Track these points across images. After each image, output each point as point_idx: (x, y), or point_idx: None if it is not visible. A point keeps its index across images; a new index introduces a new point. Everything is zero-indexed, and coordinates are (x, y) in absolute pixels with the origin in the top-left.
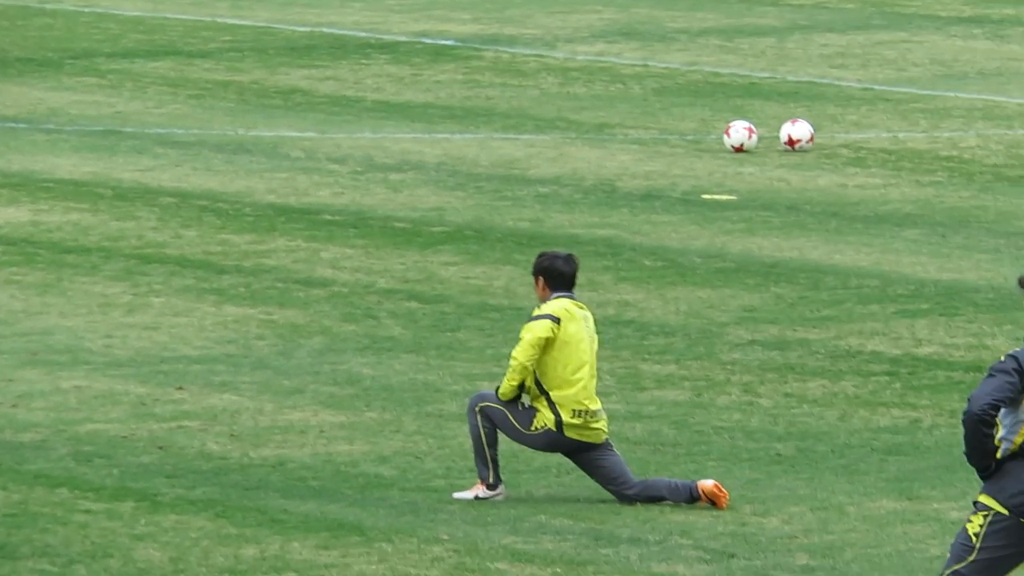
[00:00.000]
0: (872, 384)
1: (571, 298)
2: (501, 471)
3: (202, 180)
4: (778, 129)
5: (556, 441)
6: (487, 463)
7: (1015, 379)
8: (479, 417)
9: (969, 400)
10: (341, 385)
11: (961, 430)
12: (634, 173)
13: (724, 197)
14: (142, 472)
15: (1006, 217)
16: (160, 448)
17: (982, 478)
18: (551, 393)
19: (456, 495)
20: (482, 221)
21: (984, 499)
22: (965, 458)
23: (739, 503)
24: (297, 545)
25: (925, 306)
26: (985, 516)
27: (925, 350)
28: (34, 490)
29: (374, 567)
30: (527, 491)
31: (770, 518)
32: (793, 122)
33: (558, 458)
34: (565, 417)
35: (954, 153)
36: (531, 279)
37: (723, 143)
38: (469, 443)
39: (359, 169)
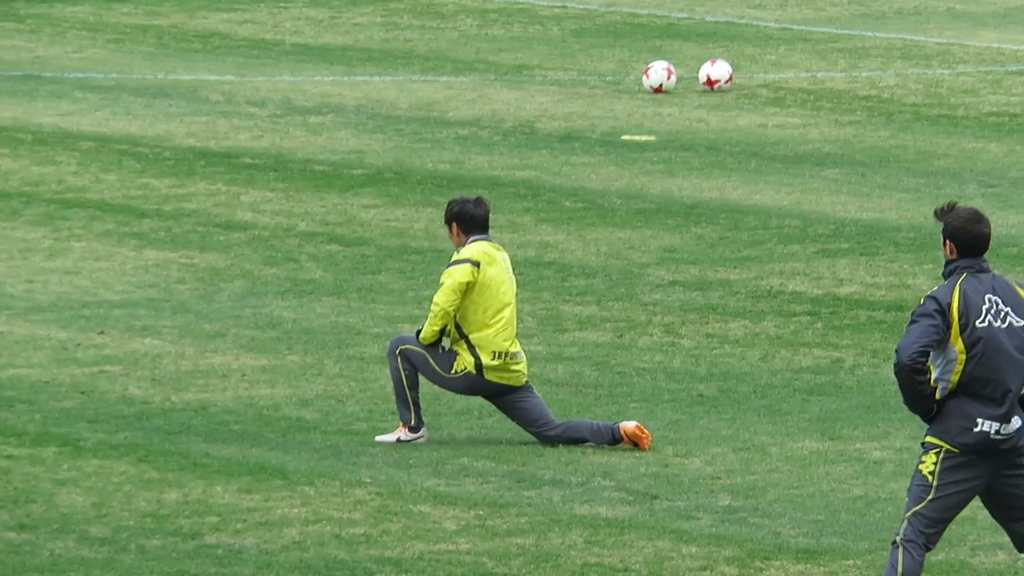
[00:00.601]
0: (794, 324)
1: (488, 240)
2: (423, 413)
3: (122, 124)
4: (697, 69)
5: (476, 384)
6: (408, 405)
7: (938, 321)
8: (400, 360)
9: (897, 351)
10: (263, 328)
11: (886, 369)
12: (553, 114)
13: (643, 138)
14: (64, 417)
15: (925, 156)
16: (82, 393)
17: (926, 422)
18: (471, 336)
19: (378, 438)
20: (402, 163)
21: (931, 439)
22: (906, 407)
23: (661, 444)
24: (220, 489)
25: (846, 246)
26: (937, 454)
27: (846, 290)
28: None
29: (297, 510)
30: (449, 433)
31: (692, 459)
32: (712, 62)
33: (480, 401)
34: (485, 360)
35: (873, 92)
36: None
37: (642, 84)
38: (390, 386)
39: (278, 112)
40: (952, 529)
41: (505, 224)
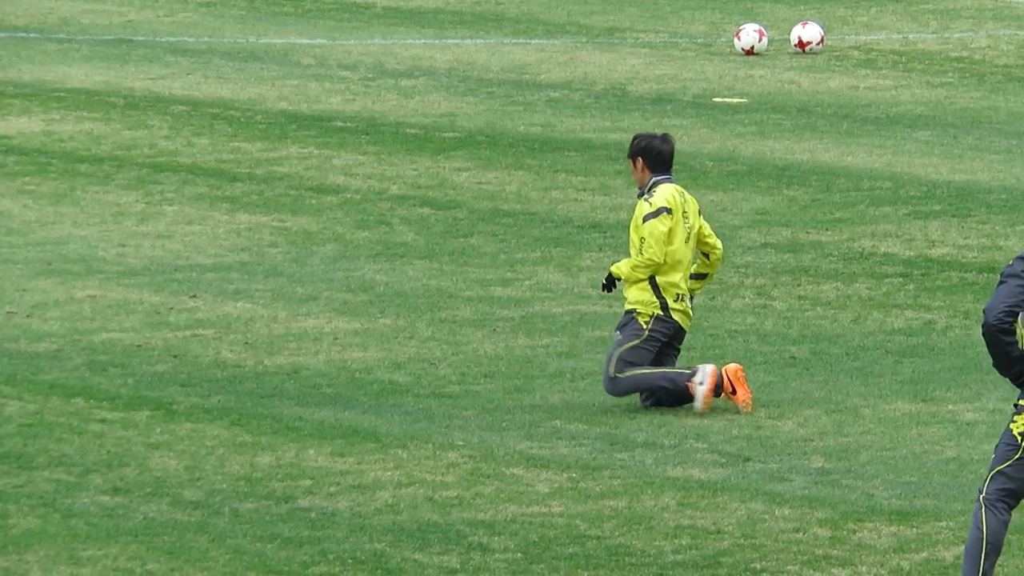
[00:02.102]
0: (886, 286)
1: (672, 182)
2: (515, 376)
3: (214, 88)
4: (788, 31)
5: (664, 326)
6: (665, 386)
7: None
8: (625, 385)
9: (984, 312)
10: (354, 292)
11: (978, 330)
12: (645, 77)
13: (735, 100)
14: (157, 381)
15: (1017, 118)
16: (175, 357)
17: (1017, 385)
18: (657, 278)
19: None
20: (494, 126)
21: None
22: (995, 369)
23: (754, 406)
24: (312, 452)
25: (938, 207)
26: None
27: (938, 251)
28: (49, 400)
29: (389, 473)
30: (541, 396)
31: (785, 421)
32: (803, 24)
33: (573, 363)
34: (669, 301)
35: (965, 54)
36: (544, 183)
37: (734, 46)
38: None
39: (370, 75)
40: None
41: (597, 187)
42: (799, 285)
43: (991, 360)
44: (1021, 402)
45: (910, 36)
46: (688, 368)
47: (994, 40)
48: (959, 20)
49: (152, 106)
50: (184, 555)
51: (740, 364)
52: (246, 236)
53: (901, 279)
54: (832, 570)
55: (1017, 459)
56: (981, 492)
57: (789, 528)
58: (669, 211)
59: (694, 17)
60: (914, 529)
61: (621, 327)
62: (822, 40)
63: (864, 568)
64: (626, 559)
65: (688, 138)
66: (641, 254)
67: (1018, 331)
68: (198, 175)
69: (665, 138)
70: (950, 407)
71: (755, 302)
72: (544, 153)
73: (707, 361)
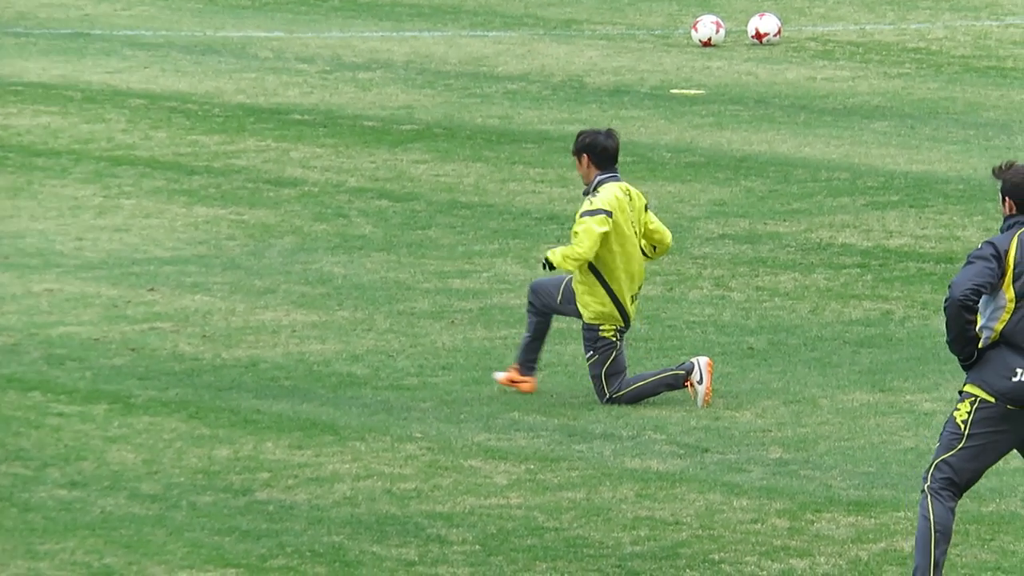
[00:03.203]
0: (844, 276)
1: (617, 180)
2: (473, 367)
3: (171, 81)
4: (745, 23)
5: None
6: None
7: (994, 264)
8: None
9: (950, 287)
10: (313, 284)
11: (936, 321)
12: (602, 68)
13: (693, 91)
14: (115, 374)
15: (974, 108)
16: (132, 350)
17: (965, 367)
18: (611, 285)
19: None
20: (451, 119)
21: (969, 388)
22: (948, 347)
23: (712, 397)
24: (270, 445)
25: (895, 198)
26: (972, 403)
27: (896, 242)
28: (7, 394)
29: (347, 466)
30: (500, 388)
31: (743, 412)
32: (760, 15)
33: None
34: (627, 306)
35: (922, 45)
36: (502, 175)
37: (691, 37)
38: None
39: (328, 68)
40: (1003, 480)
41: (555, 179)
42: (757, 276)
43: (947, 336)
44: (966, 388)
45: (867, 27)
46: (679, 366)
47: (951, 31)
48: (916, 11)
49: (109, 100)
50: (142, 548)
51: (710, 359)
52: (204, 229)
53: (859, 270)
54: (790, 561)
55: (961, 448)
56: (926, 482)
57: (747, 519)
58: (610, 214)
59: (651, 9)
60: (872, 519)
61: (590, 346)
62: (779, 31)
63: (822, 559)
64: (584, 551)
65: (646, 129)
66: (573, 247)
67: (978, 313)
68: (156, 168)
69: (610, 134)
70: (908, 397)
71: (713, 293)
72: (502, 145)
73: (664, 352)
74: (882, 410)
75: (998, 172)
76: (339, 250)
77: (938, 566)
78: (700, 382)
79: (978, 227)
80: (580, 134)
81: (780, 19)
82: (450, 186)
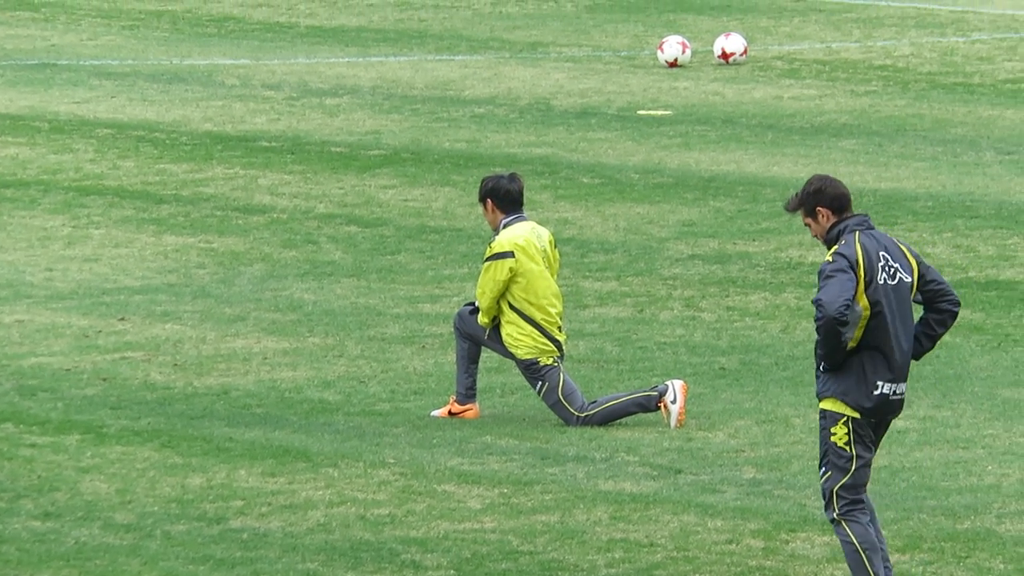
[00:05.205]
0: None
1: (523, 220)
2: (445, 392)
3: (138, 110)
4: (711, 43)
5: (560, 352)
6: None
7: (851, 275)
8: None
9: (820, 306)
10: (283, 311)
11: (815, 336)
12: (569, 91)
13: (660, 112)
14: (87, 404)
15: (942, 124)
16: (104, 380)
17: (830, 373)
18: (538, 318)
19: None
20: (419, 143)
21: (831, 406)
22: (818, 359)
23: (685, 418)
24: (244, 473)
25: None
26: (846, 424)
27: None
28: None
29: (321, 492)
30: None
31: (716, 432)
32: (726, 35)
33: (503, 378)
34: (556, 335)
35: (888, 62)
36: (470, 199)
37: (657, 58)
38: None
39: (294, 95)
40: (978, 497)
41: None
42: (727, 296)
43: (820, 352)
44: (828, 407)
45: (833, 45)
46: (651, 388)
47: (917, 48)
48: (882, 28)
49: (77, 130)
50: None
51: (684, 382)
52: (173, 258)
53: None
54: None
55: (854, 469)
56: (832, 512)
57: (722, 540)
58: (512, 254)
59: (617, 30)
60: None
61: (536, 378)
62: (745, 51)
63: None
64: (559, 574)
65: (613, 151)
66: (479, 301)
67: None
68: (124, 198)
69: (513, 177)
70: None
71: (684, 314)
72: (470, 169)
73: (636, 374)
74: None
75: (793, 204)
76: (309, 276)
77: (889, 572)
78: (674, 402)
79: (948, 244)
80: (484, 180)
81: (746, 39)
82: (419, 211)
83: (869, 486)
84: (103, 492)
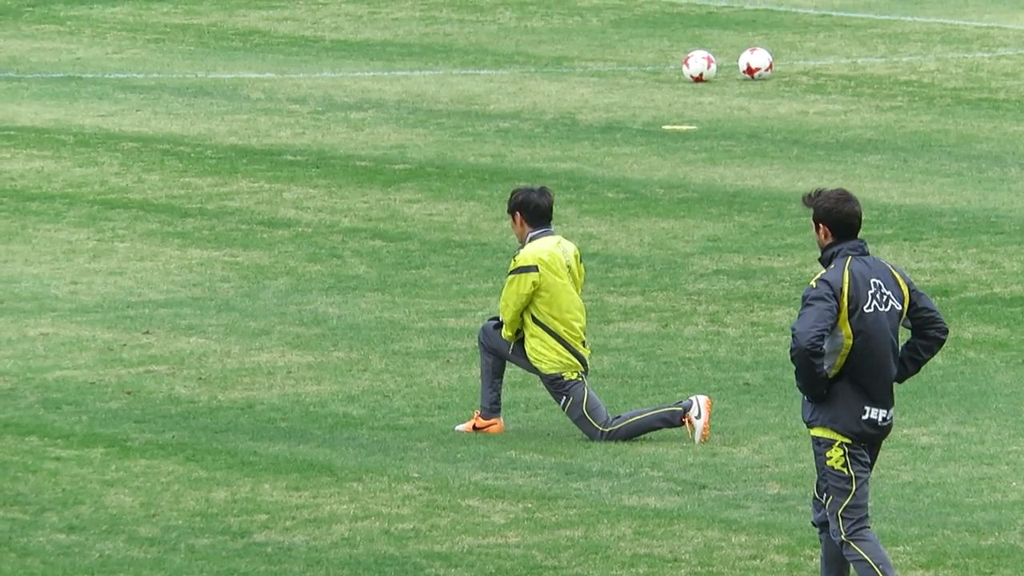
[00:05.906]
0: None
1: (550, 234)
2: (469, 407)
3: (163, 124)
4: (737, 58)
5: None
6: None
7: (832, 303)
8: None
9: (795, 335)
10: (307, 325)
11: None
12: (594, 106)
13: (685, 127)
14: (111, 418)
15: (967, 140)
16: (128, 393)
17: (814, 403)
18: (557, 330)
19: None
20: (444, 157)
21: (822, 433)
22: (799, 389)
23: (710, 433)
24: (268, 487)
25: (889, 231)
26: (840, 448)
27: None
28: (3, 439)
29: (345, 507)
30: None
31: (740, 448)
32: (752, 50)
33: (527, 392)
34: (580, 350)
35: (914, 78)
36: (495, 214)
37: (682, 73)
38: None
39: (319, 109)
40: (1002, 513)
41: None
42: (752, 311)
43: (798, 383)
44: (820, 434)
45: (859, 61)
46: (675, 403)
47: (942, 63)
48: (907, 44)
49: (102, 143)
50: None
51: (709, 397)
52: (198, 271)
53: None
54: None
55: (854, 491)
56: (838, 535)
57: (746, 555)
58: (536, 268)
59: (642, 45)
60: None
61: (560, 393)
62: (771, 66)
63: None
64: None
65: (638, 166)
66: (502, 313)
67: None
68: (149, 211)
69: (543, 191)
70: (905, 431)
71: (708, 329)
72: (494, 183)
73: (660, 389)
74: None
75: (808, 200)
76: (333, 291)
77: None
78: (698, 417)
79: (973, 259)
80: (514, 192)
81: (771, 54)
82: (444, 225)
83: (894, 502)
84: (127, 505)
